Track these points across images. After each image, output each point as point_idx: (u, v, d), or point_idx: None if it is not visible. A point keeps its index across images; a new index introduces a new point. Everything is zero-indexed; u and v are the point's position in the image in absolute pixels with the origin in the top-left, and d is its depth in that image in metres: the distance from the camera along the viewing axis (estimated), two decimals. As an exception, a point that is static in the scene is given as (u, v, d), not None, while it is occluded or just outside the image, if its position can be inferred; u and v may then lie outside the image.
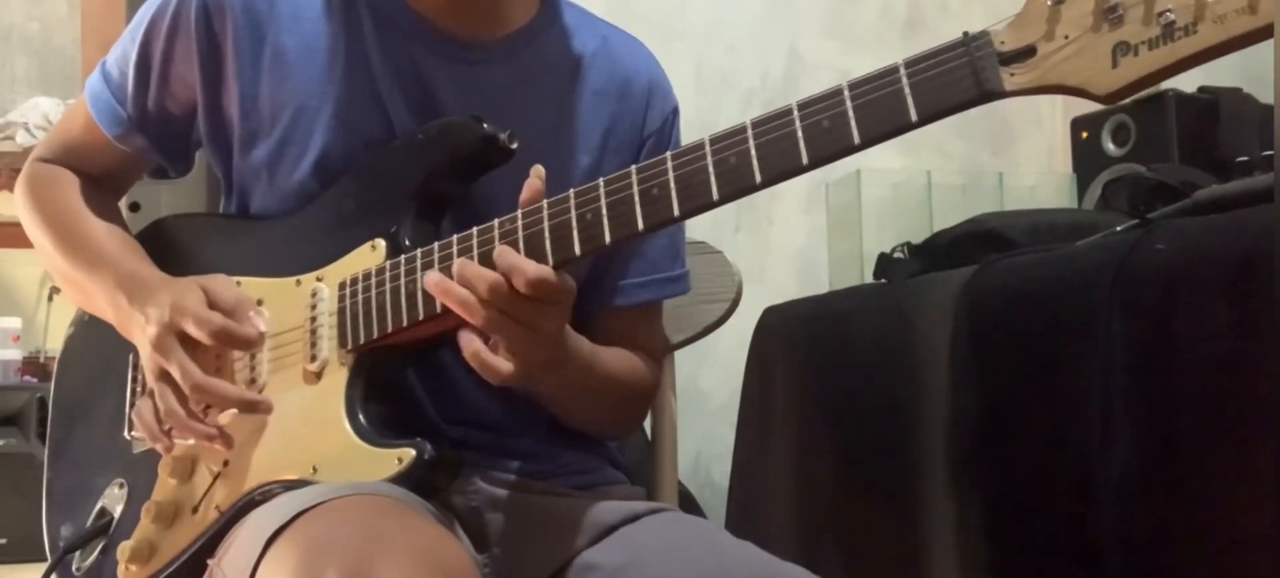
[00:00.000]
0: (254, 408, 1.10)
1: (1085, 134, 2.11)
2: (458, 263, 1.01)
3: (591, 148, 1.22)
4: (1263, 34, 0.78)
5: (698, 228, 1.17)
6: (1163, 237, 1.29)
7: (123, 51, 1.26)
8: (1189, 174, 1.66)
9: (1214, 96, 1.93)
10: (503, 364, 1.02)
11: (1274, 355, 1.08)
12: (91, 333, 1.29)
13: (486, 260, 1.01)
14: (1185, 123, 1.93)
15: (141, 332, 1.13)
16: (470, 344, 1.02)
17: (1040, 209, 1.97)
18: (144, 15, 1.23)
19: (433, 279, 1.02)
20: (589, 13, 1.29)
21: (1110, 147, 2.05)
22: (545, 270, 0.99)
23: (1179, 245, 1.26)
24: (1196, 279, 1.21)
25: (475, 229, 1.04)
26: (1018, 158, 2.62)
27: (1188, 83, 1.95)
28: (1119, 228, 1.44)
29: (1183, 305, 1.22)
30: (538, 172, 1.03)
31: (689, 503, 2.11)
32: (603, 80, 1.25)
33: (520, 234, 1.01)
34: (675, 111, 1.29)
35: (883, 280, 1.90)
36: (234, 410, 1.12)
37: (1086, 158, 2.10)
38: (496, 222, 1.03)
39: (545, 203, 1.01)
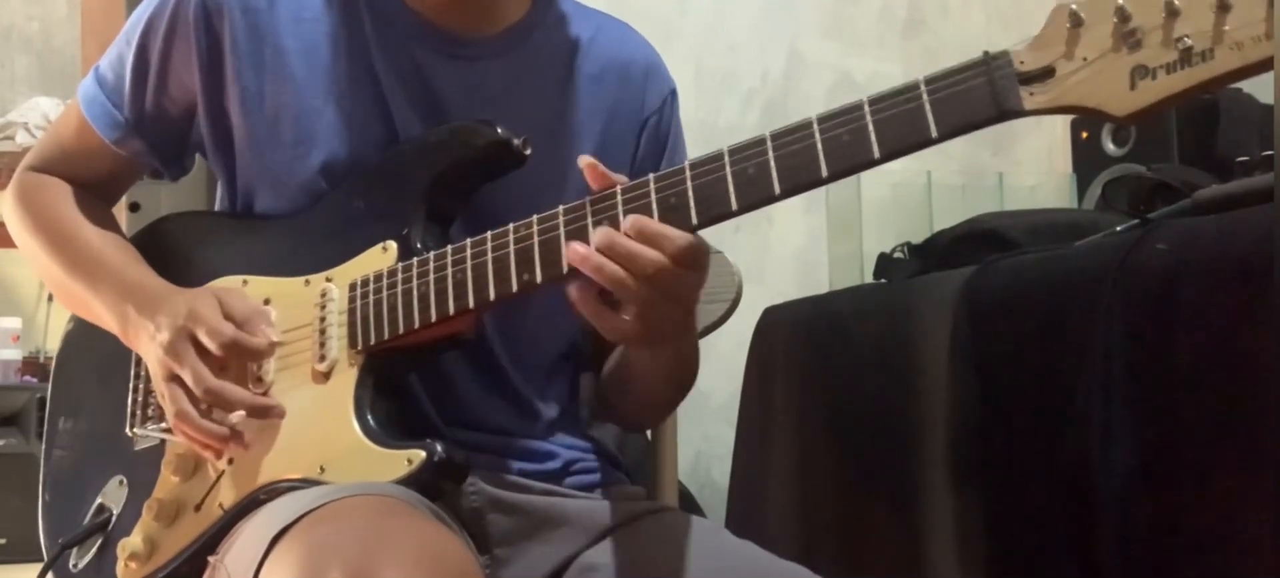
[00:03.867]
0: (266, 413, 1.10)
1: (1085, 134, 2.11)
2: (601, 233, 0.98)
3: (594, 135, 1.23)
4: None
5: (699, 228, 1.18)
6: (1163, 237, 1.29)
7: (118, 54, 1.25)
8: (1189, 174, 1.66)
9: (1214, 97, 1.93)
10: (624, 323, 1.00)
11: (1274, 355, 1.08)
12: (91, 330, 1.29)
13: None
14: (1185, 123, 1.93)
15: (151, 339, 1.12)
16: (587, 298, 1.00)
17: (1040, 209, 1.97)
18: (140, 17, 1.23)
19: (579, 251, 0.98)
20: (581, 3, 1.30)
21: (1110, 147, 2.05)
22: (690, 237, 0.97)
23: (1179, 245, 1.26)
24: (1197, 279, 1.21)
25: (489, 234, 1.05)
26: (1018, 158, 2.62)
27: (1188, 83, 1.95)
28: (1119, 228, 1.44)
29: (1183, 305, 1.22)
30: (586, 160, 1.02)
31: (689, 503, 2.11)
32: (600, 67, 1.25)
33: (535, 240, 1.01)
34: (673, 93, 1.30)
35: (883, 280, 1.90)
36: (243, 412, 1.11)
37: (1086, 158, 2.10)
38: (511, 227, 1.04)
39: (561, 210, 1.01)
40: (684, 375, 1.24)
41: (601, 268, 0.97)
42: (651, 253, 0.96)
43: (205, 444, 1.11)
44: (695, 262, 0.98)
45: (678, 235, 0.97)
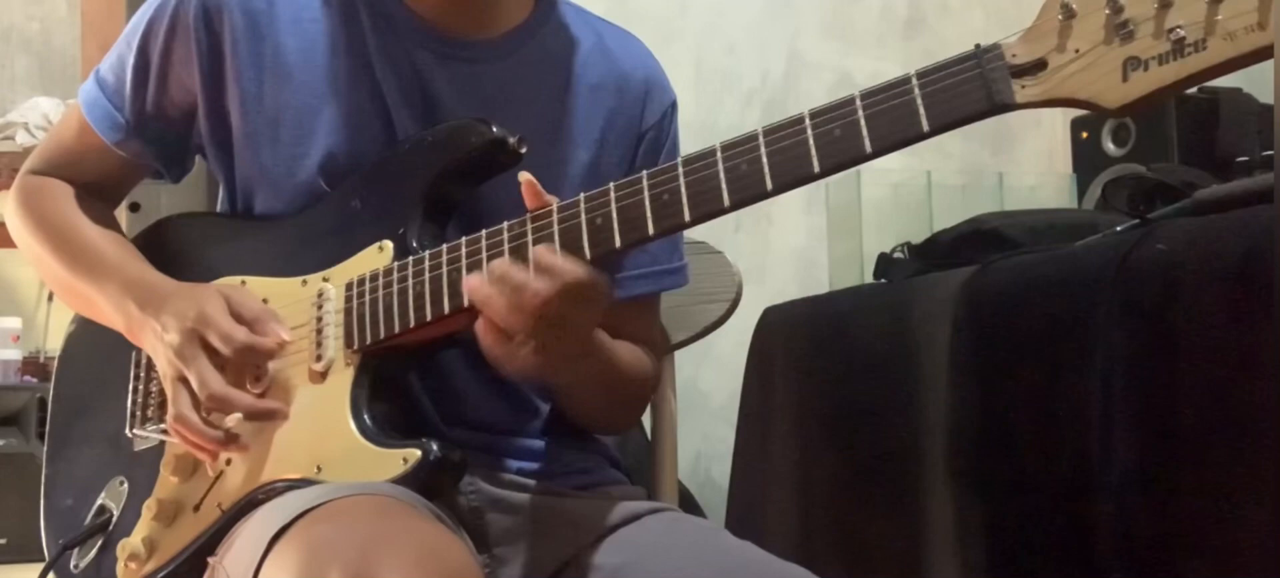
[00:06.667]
0: (268, 417, 1.10)
1: (1085, 134, 2.11)
2: (497, 264, 1.01)
3: (590, 143, 1.23)
4: (1271, 51, 0.78)
5: (698, 228, 1.18)
6: (1163, 237, 1.29)
7: (118, 56, 1.25)
8: (1189, 174, 1.66)
9: (1214, 96, 1.93)
10: (520, 355, 1.02)
11: (1274, 355, 1.08)
12: (93, 330, 1.29)
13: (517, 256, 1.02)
14: (1185, 123, 1.93)
15: (158, 338, 1.12)
16: (488, 333, 1.01)
17: (1040, 209, 1.97)
18: (140, 18, 1.23)
19: (473, 283, 1.02)
20: (583, 9, 1.29)
21: (1110, 147, 2.05)
22: (582, 271, 0.99)
23: (1179, 245, 1.26)
24: (1197, 279, 1.21)
25: (484, 233, 1.05)
26: (1018, 158, 2.62)
27: (1188, 83, 1.95)
28: (1119, 228, 1.44)
29: (1183, 305, 1.22)
30: (525, 177, 1.03)
31: (689, 503, 2.11)
32: (599, 76, 1.25)
33: (529, 238, 1.01)
34: (673, 106, 1.30)
35: (883, 280, 1.90)
36: (240, 415, 1.11)
37: (1086, 158, 2.10)
38: (506, 225, 1.04)
39: (555, 206, 1.02)
40: (619, 399, 1.24)
41: (489, 301, 1.00)
42: (538, 282, 0.98)
43: (200, 448, 1.11)
44: (581, 296, 1.00)
45: (567, 267, 0.98)
